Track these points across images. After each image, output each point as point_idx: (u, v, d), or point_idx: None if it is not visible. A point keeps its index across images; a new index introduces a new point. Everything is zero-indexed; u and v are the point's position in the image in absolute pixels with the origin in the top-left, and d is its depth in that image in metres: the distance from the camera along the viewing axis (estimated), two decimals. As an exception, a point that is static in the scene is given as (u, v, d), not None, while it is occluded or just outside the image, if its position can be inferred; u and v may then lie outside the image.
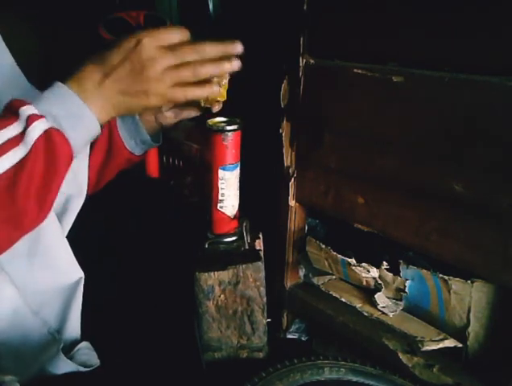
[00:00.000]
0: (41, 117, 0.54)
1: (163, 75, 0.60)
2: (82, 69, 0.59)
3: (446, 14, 0.66)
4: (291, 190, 0.94)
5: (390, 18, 0.73)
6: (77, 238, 0.76)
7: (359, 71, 0.77)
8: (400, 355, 0.80)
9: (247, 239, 0.74)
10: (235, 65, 0.63)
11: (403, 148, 0.74)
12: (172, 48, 0.60)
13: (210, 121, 0.71)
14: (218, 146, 0.69)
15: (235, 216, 0.74)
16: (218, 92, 0.64)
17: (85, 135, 0.59)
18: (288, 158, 0.93)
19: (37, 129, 0.53)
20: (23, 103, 0.55)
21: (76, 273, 0.74)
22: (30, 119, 0.53)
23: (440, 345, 0.76)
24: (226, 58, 0.62)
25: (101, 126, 0.61)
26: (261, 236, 0.80)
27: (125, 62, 0.59)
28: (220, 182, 0.71)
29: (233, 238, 0.74)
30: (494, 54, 0.63)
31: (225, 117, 0.74)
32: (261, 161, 1.02)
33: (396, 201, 0.77)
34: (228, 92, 0.71)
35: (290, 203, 0.95)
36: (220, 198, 0.72)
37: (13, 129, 0.53)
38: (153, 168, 0.85)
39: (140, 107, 0.61)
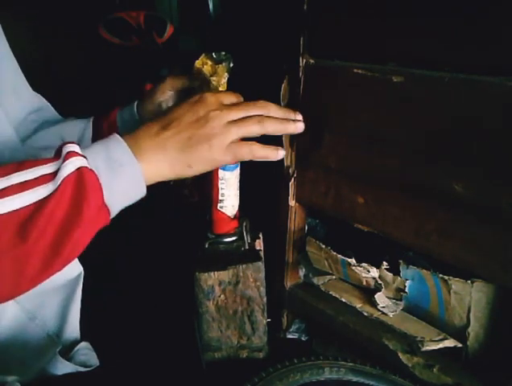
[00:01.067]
0: (79, 155, 0.49)
1: (229, 127, 0.56)
2: (142, 125, 0.55)
3: (446, 14, 0.66)
4: (291, 191, 0.94)
5: (389, 18, 0.73)
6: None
7: (359, 71, 0.77)
8: (400, 355, 0.80)
9: (247, 239, 0.74)
10: (299, 127, 0.63)
11: (403, 148, 0.74)
12: (235, 104, 0.59)
13: None
14: None
15: (235, 216, 0.74)
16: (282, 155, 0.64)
17: (124, 186, 0.51)
18: (288, 157, 0.93)
19: (70, 166, 0.47)
20: (70, 142, 0.50)
21: (75, 269, 0.73)
22: (68, 155, 0.48)
23: (440, 345, 0.76)
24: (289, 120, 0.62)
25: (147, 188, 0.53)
26: (261, 236, 0.79)
27: (189, 112, 0.55)
28: (220, 182, 0.70)
29: (233, 238, 0.73)
30: (494, 54, 0.63)
31: None
32: (261, 161, 1.02)
33: (396, 201, 0.77)
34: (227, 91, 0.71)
35: (290, 203, 0.95)
36: (220, 198, 0.71)
37: (50, 167, 0.48)
38: None
39: (201, 162, 0.55)
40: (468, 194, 0.67)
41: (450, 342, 0.76)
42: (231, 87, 0.73)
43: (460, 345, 0.76)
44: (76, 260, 0.71)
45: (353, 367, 0.77)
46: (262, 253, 0.73)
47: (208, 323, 0.72)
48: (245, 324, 0.72)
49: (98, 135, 0.80)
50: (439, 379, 0.77)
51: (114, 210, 0.51)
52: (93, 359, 0.73)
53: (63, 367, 0.69)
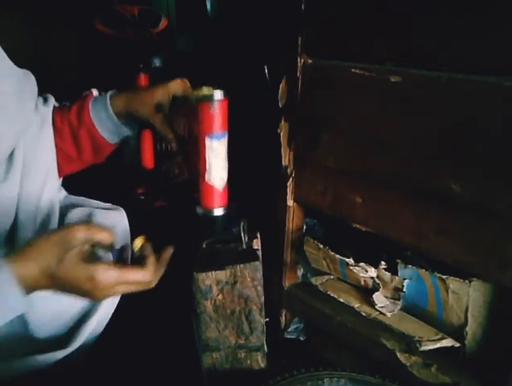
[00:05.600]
0: None
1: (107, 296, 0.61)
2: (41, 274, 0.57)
3: (444, 14, 0.66)
4: (289, 190, 0.94)
5: (387, 18, 0.73)
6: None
7: (357, 71, 0.77)
8: (398, 354, 0.80)
9: (245, 238, 0.73)
10: None
11: (401, 148, 0.74)
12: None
13: (196, 91, 0.70)
14: (205, 115, 0.68)
15: (224, 189, 0.72)
16: None
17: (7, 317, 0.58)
18: (286, 157, 0.93)
19: None
20: None
21: None
22: None
23: (438, 344, 0.76)
24: None
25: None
26: (258, 235, 0.79)
27: (76, 287, 0.59)
28: (207, 152, 0.68)
29: (222, 212, 0.71)
30: (492, 54, 0.63)
31: (211, 86, 0.72)
32: (259, 160, 1.02)
33: (394, 201, 0.77)
34: (227, 90, 0.71)
35: (288, 203, 0.95)
36: (207, 169, 0.69)
37: None
38: (148, 159, 0.85)
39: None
40: (467, 194, 0.67)
41: (448, 342, 0.76)
42: (231, 87, 0.73)
43: (457, 344, 0.76)
44: None
45: (352, 377, 0.77)
46: (259, 253, 0.73)
47: (206, 323, 0.71)
48: (242, 324, 0.72)
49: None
50: (437, 379, 0.77)
51: None
52: None
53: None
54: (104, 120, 0.80)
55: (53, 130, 0.80)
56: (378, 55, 0.75)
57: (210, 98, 0.67)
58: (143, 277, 0.61)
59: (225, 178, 0.72)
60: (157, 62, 1.17)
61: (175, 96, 0.80)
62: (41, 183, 0.78)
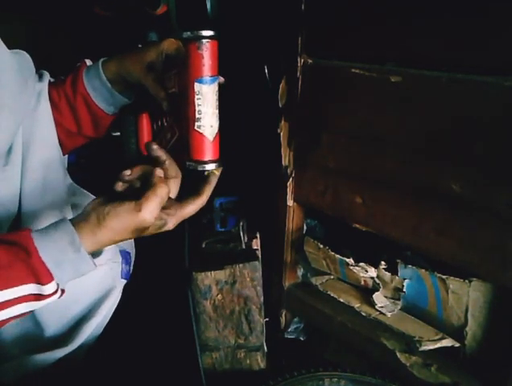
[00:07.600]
0: (56, 292, 0.58)
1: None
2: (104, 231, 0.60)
3: (444, 14, 0.66)
4: (289, 190, 0.94)
5: (387, 18, 0.73)
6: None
7: (357, 71, 0.77)
8: (398, 354, 0.80)
9: (244, 238, 0.73)
10: None
11: (402, 148, 0.74)
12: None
13: (184, 33, 0.64)
14: (193, 56, 0.63)
15: (215, 140, 0.67)
16: None
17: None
18: (286, 157, 0.93)
19: (49, 300, 0.58)
20: (44, 275, 0.56)
21: None
22: (48, 296, 0.57)
23: (438, 344, 0.76)
24: None
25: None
26: (258, 235, 0.79)
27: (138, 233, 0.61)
28: (196, 97, 0.64)
29: (214, 166, 0.67)
30: (492, 54, 0.63)
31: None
32: (259, 161, 1.02)
33: (394, 201, 0.77)
34: (226, 90, 0.70)
35: (288, 203, 0.95)
36: (197, 116, 0.64)
37: (29, 289, 0.56)
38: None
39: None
40: (467, 193, 0.67)
41: (448, 342, 0.76)
42: (231, 88, 0.72)
43: (457, 344, 0.76)
44: None
45: (352, 378, 0.77)
46: (259, 253, 0.73)
47: (205, 323, 0.72)
48: (242, 324, 0.72)
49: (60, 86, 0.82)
50: (437, 379, 0.77)
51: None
52: None
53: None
54: (98, 87, 0.79)
55: (51, 105, 0.81)
56: (378, 55, 0.75)
57: (198, 36, 0.62)
58: (202, 202, 0.65)
59: (216, 127, 0.67)
60: (152, 36, 1.17)
61: (168, 55, 0.75)
62: (44, 161, 0.78)
